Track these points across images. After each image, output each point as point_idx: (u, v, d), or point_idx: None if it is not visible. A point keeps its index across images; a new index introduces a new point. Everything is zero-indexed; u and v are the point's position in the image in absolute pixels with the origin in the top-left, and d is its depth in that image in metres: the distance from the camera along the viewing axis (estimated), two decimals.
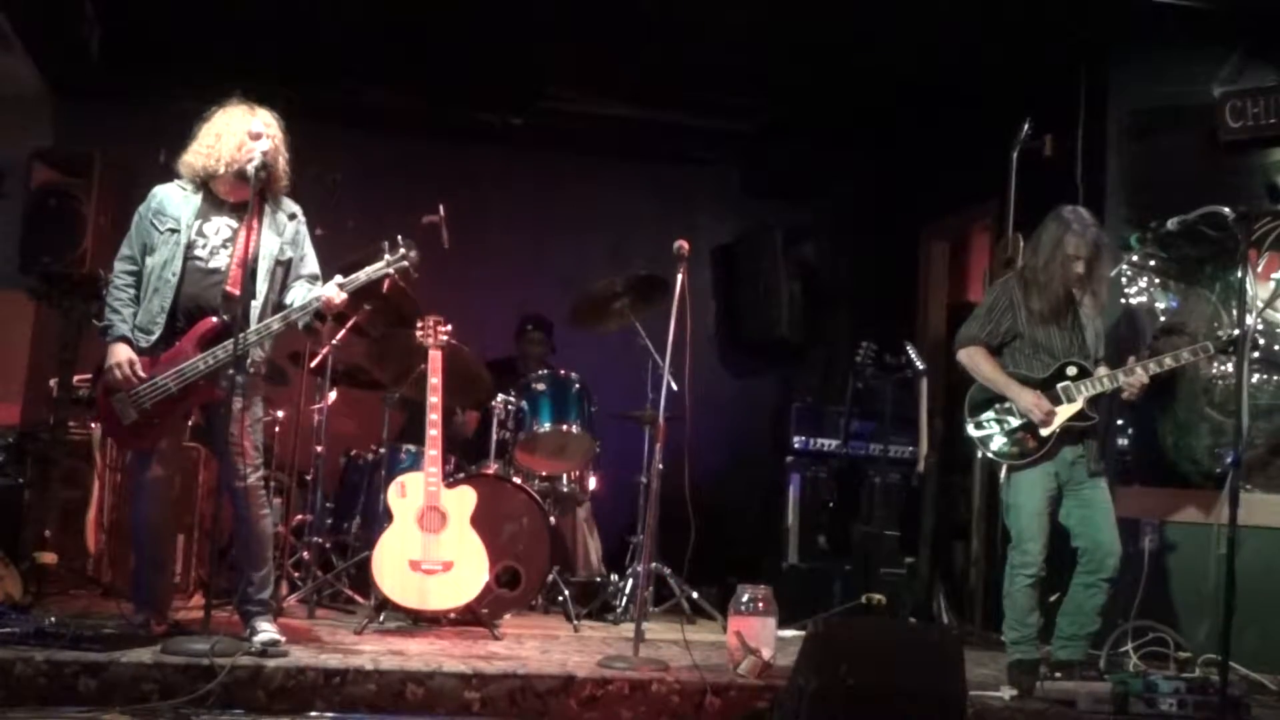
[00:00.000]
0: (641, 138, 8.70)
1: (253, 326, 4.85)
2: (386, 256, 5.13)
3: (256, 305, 4.91)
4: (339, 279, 5.03)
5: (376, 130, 8.41)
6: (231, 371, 4.78)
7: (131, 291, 4.92)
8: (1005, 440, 5.24)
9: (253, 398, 4.96)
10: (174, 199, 4.96)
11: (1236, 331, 5.12)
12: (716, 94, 8.26)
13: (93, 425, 6.41)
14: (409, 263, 5.14)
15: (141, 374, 4.79)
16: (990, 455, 5.31)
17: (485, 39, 7.44)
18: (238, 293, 4.85)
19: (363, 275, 5.09)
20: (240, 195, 4.96)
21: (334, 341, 6.48)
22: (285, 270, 5.04)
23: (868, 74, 7.76)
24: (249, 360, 4.88)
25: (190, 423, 5.22)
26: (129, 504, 5.10)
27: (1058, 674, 5.01)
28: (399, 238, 5.16)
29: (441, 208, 5.71)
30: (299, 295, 5.00)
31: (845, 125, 8.62)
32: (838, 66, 7.69)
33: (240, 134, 4.91)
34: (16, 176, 7.09)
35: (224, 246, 4.93)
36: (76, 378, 6.39)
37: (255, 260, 4.91)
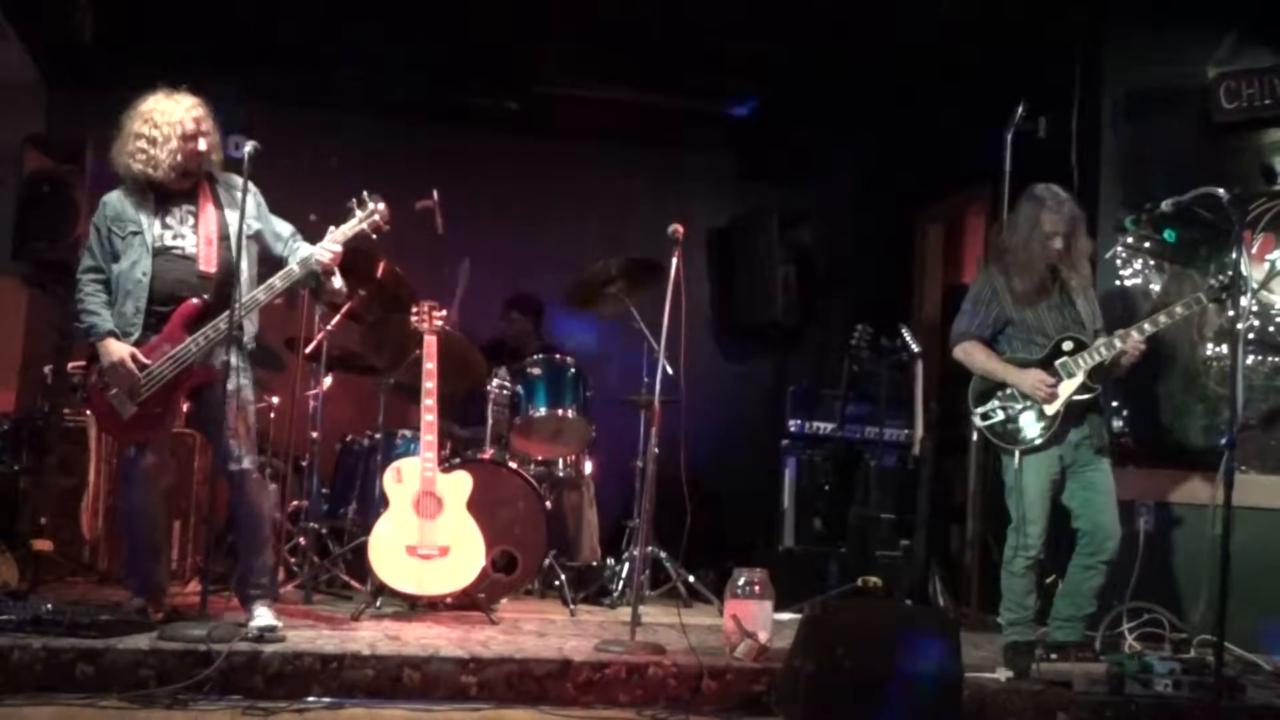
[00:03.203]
0: (637, 122, 8.68)
1: (241, 302, 4.86)
2: (358, 213, 5.15)
3: (242, 282, 4.90)
4: (331, 231, 5.08)
5: (372, 114, 8.39)
6: (226, 356, 4.78)
7: (104, 296, 4.91)
8: (1013, 428, 5.23)
9: (245, 378, 4.97)
10: (127, 203, 4.96)
11: (1226, 278, 5.13)
12: (713, 78, 8.24)
13: (88, 412, 6.40)
14: (379, 216, 5.16)
15: (145, 360, 4.78)
16: (1000, 444, 5.29)
17: (482, 23, 7.42)
18: (214, 270, 4.87)
19: (339, 234, 5.10)
20: (185, 183, 4.98)
21: (329, 327, 6.47)
22: (257, 244, 5.07)
23: (863, 58, 7.75)
24: (245, 338, 4.93)
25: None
26: (121, 492, 5.09)
27: (1054, 655, 5.01)
28: (364, 193, 5.18)
29: (435, 192, 5.71)
30: (301, 253, 5.04)
31: (840, 109, 8.60)
32: (833, 51, 7.68)
33: (174, 139, 4.89)
34: (9, 163, 7.07)
35: (191, 231, 4.94)
36: (71, 364, 6.39)
37: (226, 237, 4.94)
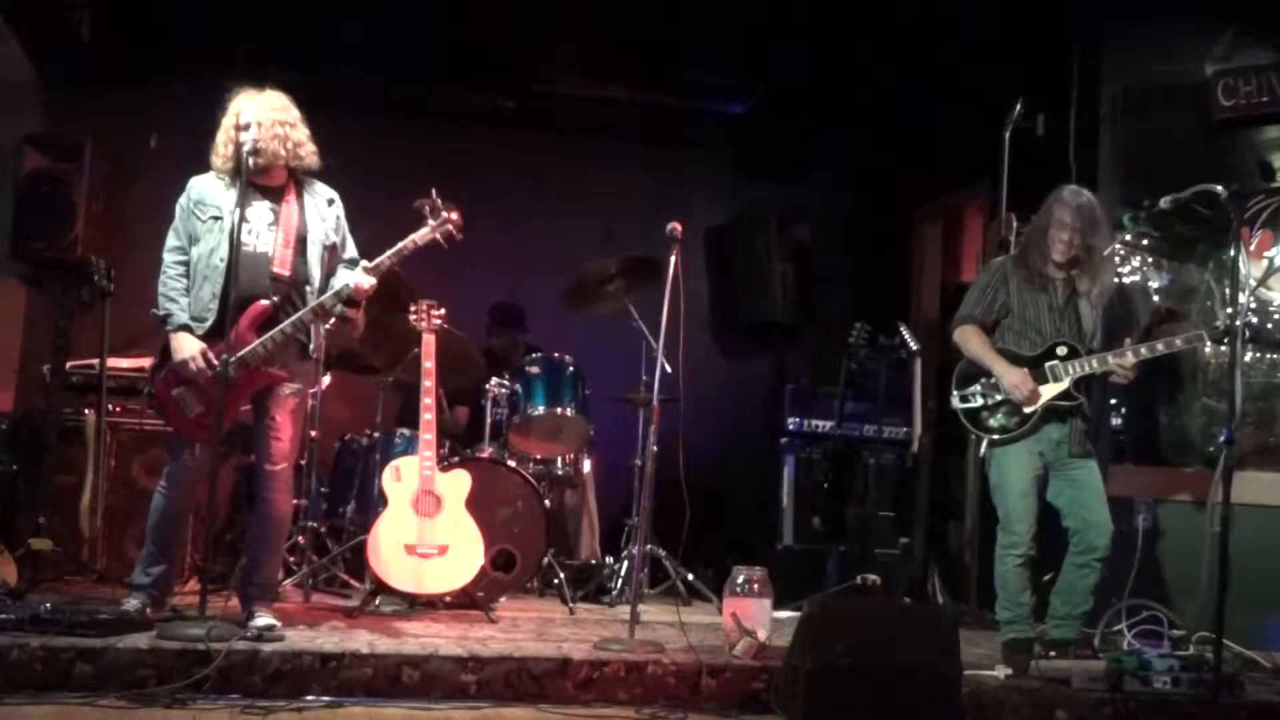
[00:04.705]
0: (635, 120, 8.67)
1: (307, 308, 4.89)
2: (430, 221, 5.13)
3: (312, 290, 4.95)
4: (365, 264, 5.05)
5: (370, 114, 8.38)
6: (289, 361, 4.83)
7: (184, 281, 4.91)
8: (987, 415, 5.26)
9: (309, 384, 5.00)
10: (212, 188, 4.97)
11: (1228, 319, 5.14)
12: (711, 76, 8.25)
13: (86, 411, 6.40)
14: (451, 225, 5.14)
15: (214, 361, 4.78)
16: (971, 429, 5.33)
17: (480, 22, 7.42)
18: (287, 273, 4.89)
19: (409, 243, 5.09)
20: (274, 180, 4.98)
21: (326, 326, 6.46)
22: (331, 254, 5.07)
23: (861, 56, 7.75)
24: (310, 347, 4.96)
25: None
26: (164, 492, 5.02)
27: (1052, 653, 5.02)
28: (435, 198, 5.16)
29: (434, 191, 5.69)
30: (337, 281, 5.03)
31: (839, 107, 8.61)
32: (831, 48, 7.68)
33: (228, 127, 4.91)
34: (8, 163, 7.07)
35: (269, 229, 4.93)
36: (70, 363, 6.38)
37: (303, 242, 4.95)
